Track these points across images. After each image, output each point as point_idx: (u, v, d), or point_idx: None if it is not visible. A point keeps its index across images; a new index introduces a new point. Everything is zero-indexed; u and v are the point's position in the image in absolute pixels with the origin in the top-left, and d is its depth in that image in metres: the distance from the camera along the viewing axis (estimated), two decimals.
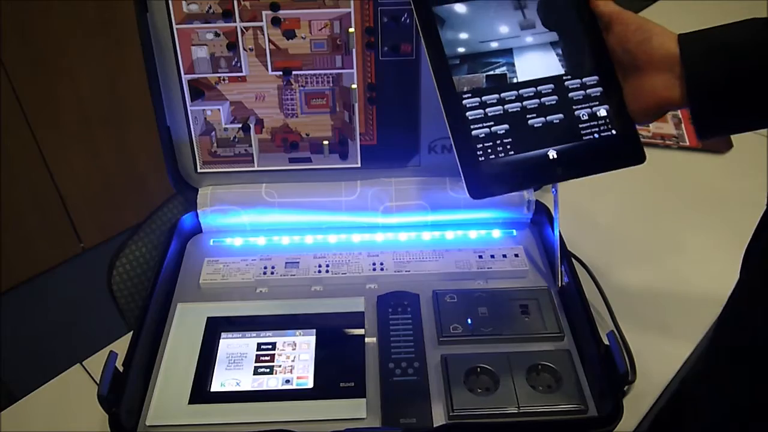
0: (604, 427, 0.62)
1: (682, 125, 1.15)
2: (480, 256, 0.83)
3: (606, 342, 0.67)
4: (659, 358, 0.76)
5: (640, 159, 0.63)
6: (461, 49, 0.63)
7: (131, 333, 0.71)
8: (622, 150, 0.63)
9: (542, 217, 0.87)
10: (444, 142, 0.85)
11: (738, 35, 0.56)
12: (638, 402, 0.71)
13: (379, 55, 0.79)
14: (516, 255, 0.83)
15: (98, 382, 0.63)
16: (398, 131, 0.84)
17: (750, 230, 0.56)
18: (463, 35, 0.63)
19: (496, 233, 0.87)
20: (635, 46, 0.60)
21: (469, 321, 0.74)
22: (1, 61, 1.65)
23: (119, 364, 0.66)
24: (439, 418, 0.66)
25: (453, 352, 0.71)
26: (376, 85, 0.81)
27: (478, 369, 0.69)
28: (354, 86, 0.81)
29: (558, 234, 0.79)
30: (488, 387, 0.68)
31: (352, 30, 0.78)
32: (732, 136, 1.09)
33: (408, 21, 0.77)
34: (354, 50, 0.79)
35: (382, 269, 0.82)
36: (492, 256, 0.83)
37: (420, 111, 0.83)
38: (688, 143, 1.10)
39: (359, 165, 0.86)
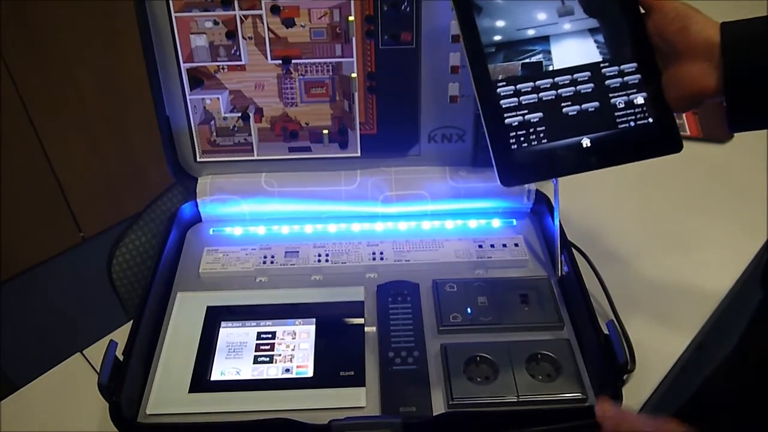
0: None
1: (683, 114, 1.14)
2: (480, 246, 0.83)
3: (605, 331, 0.67)
4: (659, 348, 0.76)
5: (677, 147, 0.62)
6: (498, 37, 0.63)
7: (131, 322, 0.71)
8: (658, 138, 0.63)
9: (542, 206, 0.86)
10: (444, 131, 0.85)
11: None
12: (637, 391, 0.72)
13: (379, 44, 0.79)
14: (516, 244, 0.83)
15: (98, 371, 0.63)
16: (398, 120, 0.84)
17: (750, 221, 0.56)
18: (500, 23, 0.63)
19: (496, 223, 0.87)
20: (673, 33, 0.59)
21: (469, 310, 0.74)
22: (0, 51, 1.64)
23: (119, 353, 0.66)
24: (438, 406, 0.66)
25: (453, 341, 0.71)
26: (376, 74, 0.81)
27: (478, 358, 0.69)
28: (354, 75, 0.80)
29: (558, 223, 0.79)
30: (488, 376, 0.68)
31: (351, 18, 0.77)
32: None
33: (408, 9, 0.77)
34: (354, 39, 0.79)
35: (381, 258, 0.82)
36: (492, 246, 0.83)
37: (420, 100, 0.83)
38: (688, 132, 1.10)
39: (359, 154, 0.86)
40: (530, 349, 0.69)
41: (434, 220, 0.88)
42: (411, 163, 0.87)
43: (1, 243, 1.86)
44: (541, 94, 0.62)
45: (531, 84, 0.63)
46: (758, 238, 0.91)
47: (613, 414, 0.55)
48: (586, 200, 0.96)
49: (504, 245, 0.83)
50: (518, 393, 0.66)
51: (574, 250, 0.82)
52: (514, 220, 0.88)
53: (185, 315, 0.75)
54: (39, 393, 0.76)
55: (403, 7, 0.77)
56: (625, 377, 0.69)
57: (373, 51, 0.79)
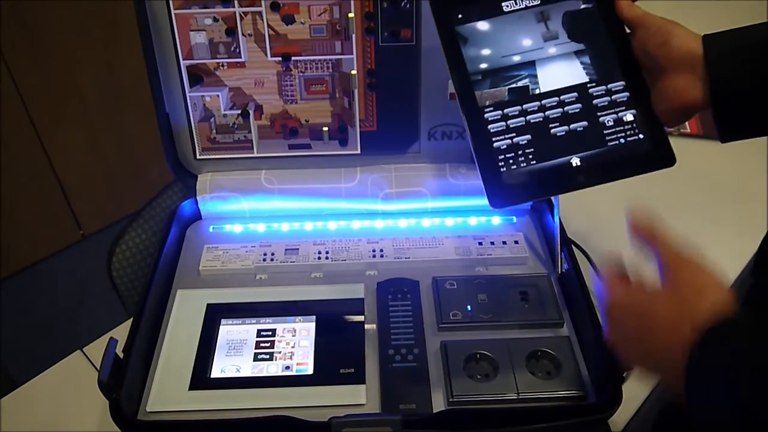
0: (603, 413, 0.63)
1: None
2: (480, 243, 0.83)
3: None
4: None
5: (669, 162, 0.62)
6: (483, 65, 0.63)
7: (131, 319, 0.71)
8: (650, 154, 0.63)
9: (542, 204, 0.86)
10: (444, 129, 0.85)
11: (763, 34, 0.55)
12: (637, 389, 0.71)
13: (379, 41, 0.79)
14: (516, 242, 0.83)
15: (99, 368, 0.63)
16: (398, 117, 0.84)
17: (749, 218, 0.56)
18: (486, 51, 0.64)
19: (496, 220, 0.87)
20: (655, 48, 0.59)
21: (469, 307, 0.74)
22: (0, 50, 1.64)
23: (119, 351, 0.66)
24: (438, 404, 0.66)
25: (453, 338, 0.71)
26: (376, 71, 0.81)
27: (478, 355, 0.69)
28: (354, 72, 0.80)
29: (558, 221, 0.79)
30: (488, 373, 0.68)
31: (351, 15, 0.77)
32: None
33: (408, 6, 0.77)
34: (354, 36, 0.78)
35: (381, 256, 0.82)
36: (492, 243, 0.83)
37: (420, 97, 0.82)
38: (688, 130, 1.10)
39: (359, 151, 0.86)
40: (530, 347, 0.69)
41: (434, 217, 0.87)
42: (411, 161, 0.87)
43: (2, 240, 1.86)
44: (528, 117, 0.63)
45: (518, 108, 0.63)
46: (757, 236, 0.90)
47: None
48: (585, 198, 0.95)
49: (504, 242, 0.83)
50: (518, 390, 0.66)
51: (574, 248, 0.82)
52: (514, 218, 0.88)
53: (185, 312, 0.75)
54: (39, 390, 0.76)
55: (402, 4, 0.77)
56: (624, 374, 0.69)
57: (373, 48, 0.79)
